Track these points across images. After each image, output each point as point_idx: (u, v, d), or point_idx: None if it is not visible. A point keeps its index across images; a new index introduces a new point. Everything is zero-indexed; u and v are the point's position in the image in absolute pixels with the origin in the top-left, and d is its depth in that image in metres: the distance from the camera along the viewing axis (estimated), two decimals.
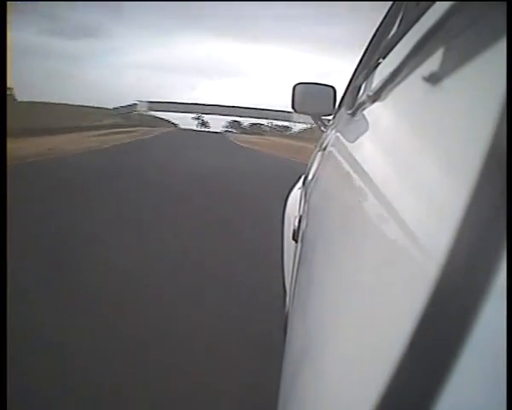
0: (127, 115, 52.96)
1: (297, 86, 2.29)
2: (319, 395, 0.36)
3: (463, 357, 0.20)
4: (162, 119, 63.83)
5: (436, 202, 0.30)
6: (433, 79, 0.42)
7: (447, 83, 0.38)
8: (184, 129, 56.24)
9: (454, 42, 0.40)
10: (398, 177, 0.41)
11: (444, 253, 0.23)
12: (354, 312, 0.37)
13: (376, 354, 0.29)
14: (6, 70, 1.59)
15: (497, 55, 0.27)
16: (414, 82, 0.50)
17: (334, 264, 0.51)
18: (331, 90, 2.27)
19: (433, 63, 0.43)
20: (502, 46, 0.26)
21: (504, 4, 0.27)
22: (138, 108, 56.70)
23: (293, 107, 2.29)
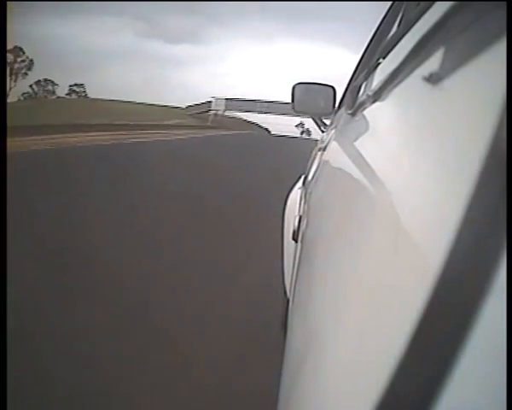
0: (202, 116, 44.06)
1: (297, 86, 2.29)
2: (319, 395, 0.36)
3: (463, 357, 0.20)
4: (250, 122, 50.65)
5: (436, 201, 0.30)
6: (433, 79, 0.42)
7: (447, 83, 0.38)
8: (281, 136, 41.87)
9: (454, 42, 0.40)
10: (398, 177, 0.41)
11: (444, 253, 0.23)
12: (354, 311, 0.37)
13: (377, 354, 0.29)
14: (6, 70, 1.58)
15: (497, 55, 0.27)
16: (414, 82, 0.50)
17: (334, 264, 0.51)
18: (331, 90, 2.27)
19: (433, 63, 0.43)
20: (502, 46, 0.26)
21: (504, 4, 0.27)
22: (213, 106, 45.44)
23: (293, 107, 2.30)
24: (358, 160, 0.69)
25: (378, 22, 1.70)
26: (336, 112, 2.11)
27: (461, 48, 0.37)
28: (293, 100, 2.27)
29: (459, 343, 0.20)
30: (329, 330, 0.42)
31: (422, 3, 0.54)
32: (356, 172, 0.66)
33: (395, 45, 0.69)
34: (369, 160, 0.60)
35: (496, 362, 0.19)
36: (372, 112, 0.76)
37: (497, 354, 0.19)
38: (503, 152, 0.22)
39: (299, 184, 2.39)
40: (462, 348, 0.20)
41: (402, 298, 0.28)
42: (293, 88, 2.28)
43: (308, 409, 0.39)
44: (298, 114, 2.36)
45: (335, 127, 1.53)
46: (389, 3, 1.51)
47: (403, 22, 0.94)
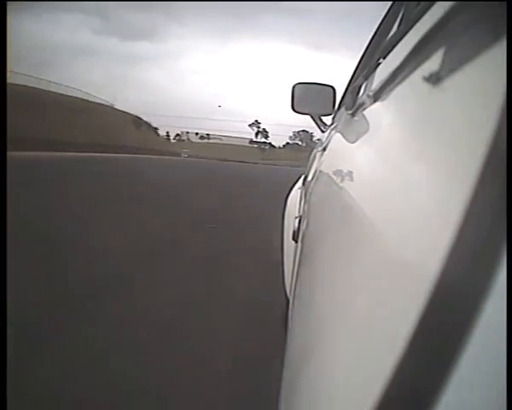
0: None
1: (296, 86, 2.29)
2: (320, 395, 0.36)
3: (463, 357, 0.20)
4: None
5: (436, 201, 0.30)
6: (434, 79, 0.42)
7: (447, 83, 0.38)
8: None
9: (454, 42, 0.40)
10: (399, 177, 0.41)
11: (444, 252, 0.23)
12: (354, 311, 0.37)
13: (377, 353, 0.29)
14: (6, 70, 1.59)
15: (497, 55, 0.27)
16: (414, 82, 0.50)
17: (335, 264, 0.51)
18: (331, 90, 2.27)
19: (433, 63, 0.43)
20: (502, 46, 0.26)
21: (504, 4, 0.27)
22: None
23: (292, 107, 2.29)
24: (358, 160, 0.69)
25: (378, 22, 1.70)
26: (336, 112, 2.11)
27: (461, 48, 0.37)
28: (292, 100, 2.27)
29: (459, 344, 0.20)
30: (330, 331, 0.42)
31: (422, 3, 0.54)
32: (356, 173, 0.66)
33: (395, 45, 0.69)
34: (369, 160, 0.60)
35: (496, 362, 0.19)
36: (372, 112, 0.76)
37: (497, 354, 0.19)
38: (503, 152, 0.22)
39: (299, 184, 2.39)
40: (463, 348, 0.20)
41: (402, 298, 0.28)
42: (293, 88, 2.28)
43: (309, 408, 0.39)
44: (298, 113, 2.36)
45: (335, 127, 1.53)
46: (389, 3, 1.51)
47: (403, 22, 0.94)
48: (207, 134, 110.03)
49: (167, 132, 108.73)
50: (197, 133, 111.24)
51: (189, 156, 73.20)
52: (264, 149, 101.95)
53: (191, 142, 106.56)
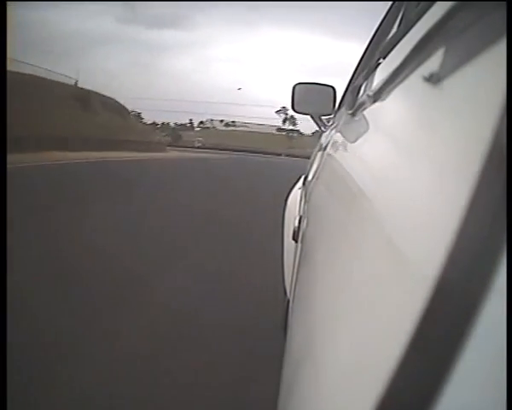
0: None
1: (297, 86, 2.29)
2: (320, 395, 0.36)
3: (463, 357, 0.20)
4: None
5: (436, 201, 0.30)
6: (434, 79, 0.42)
7: (447, 83, 0.38)
8: None
9: (454, 42, 0.40)
10: (399, 177, 0.41)
11: (444, 252, 0.23)
12: (354, 311, 0.37)
13: (377, 354, 0.29)
14: (6, 70, 1.59)
15: (497, 55, 0.27)
16: (414, 82, 0.50)
17: (335, 264, 0.51)
18: (331, 90, 2.27)
19: (433, 63, 0.43)
20: (502, 46, 0.26)
21: (504, 4, 0.27)
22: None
23: (292, 107, 2.29)
24: (358, 160, 0.69)
25: (378, 22, 1.70)
26: (336, 112, 2.11)
27: (461, 48, 0.37)
28: (293, 100, 2.27)
29: (459, 344, 0.20)
30: (330, 330, 0.42)
31: (422, 3, 0.54)
32: (356, 173, 0.66)
33: (395, 45, 0.69)
34: (369, 160, 0.60)
35: (496, 362, 0.19)
36: (372, 112, 0.76)
37: (497, 354, 0.19)
38: (503, 152, 0.22)
39: (300, 184, 2.39)
40: (463, 348, 0.20)
41: (402, 298, 0.28)
42: (293, 88, 2.28)
43: (308, 409, 0.39)
44: (298, 113, 2.36)
45: (335, 127, 1.53)
46: (389, 3, 1.51)
47: (403, 22, 0.94)
48: (233, 121, 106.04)
49: (190, 120, 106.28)
50: (222, 120, 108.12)
51: (204, 148, 66.33)
52: (292, 136, 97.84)
53: (216, 129, 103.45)
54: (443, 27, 0.43)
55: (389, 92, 0.65)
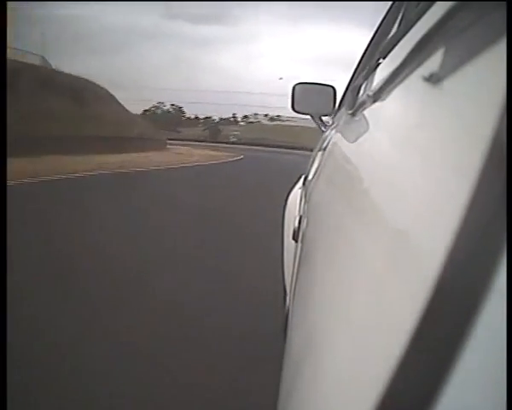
0: None
1: (297, 86, 2.29)
2: (319, 395, 0.36)
3: (463, 357, 0.20)
4: None
5: (436, 201, 0.30)
6: (433, 79, 0.42)
7: (447, 83, 0.38)
8: None
9: (454, 42, 0.40)
10: (398, 177, 0.41)
11: (444, 252, 0.23)
12: (354, 311, 0.37)
13: (376, 354, 0.29)
14: (6, 69, 1.59)
15: (497, 55, 0.27)
16: (414, 82, 0.50)
17: (335, 264, 0.51)
18: (331, 90, 2.28)
19: (433, 63, 0.43)
20: (502, 46, 0.26)
21: (504, 4, 0.27)
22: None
23: (292, 107, 2.29)
24: (358, 160, 0.69)
25: (378, 22, 1.70)
26: (336, 112, 2.11)
27: (461, 48, 0.37)
28: (293, 100, 2.27)
29: (459, 344, 0.20)
30: (329, 330, 0.42)
31: (422, 3, 0.54)
32: (356, 173, 0.66)
33: (395, 45, 0.69)
34: (369, 160, 0.60)
35: (496, 362, 0.19)
36: (372, 112, 0.76)
37: (497, 354, 0.19)
38: (503, 152, 0.22)
39: (300, 184, 2.39)
40: (463, 348, 0.20)
41: (402, 298, 0.28)
42: (293, 88, 2.28)
43: (308, 409, 0.39)
44: (297, 113, 2.36)
45: (335, 127, 1.54)
46: (389, 3, 1.51)
47: (403, 22, 0.94)
48: (278, 115, 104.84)
49: (234, 114, 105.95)
50: (266, 114, 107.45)
51: (239, 142, 63.87)
52: None
53: (261, 123, 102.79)
54: (443, 27, 0.43)
55: (389, 92, 0.65)
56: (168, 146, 34.33)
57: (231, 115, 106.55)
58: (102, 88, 28.56)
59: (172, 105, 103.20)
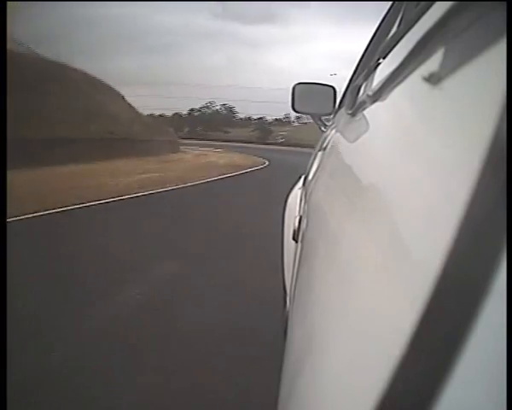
0: None
1: (297, 86, 2.29)
2: (319, 396, 0.36)
3: (463, 357, 0.20)
4: None
5: (436, 201, 0.30)
6: (433, 79, 0.42)
7: (447, 83, 0.38)
8: None
9: (454, 42, 0.40)
10: (398, 177, 0.41)
11: (444, 252, 0.23)
12: (354, 312, 0.37)
13: (376, 354, 0.29)
14: (6, 69, 1.59)
15: (497, 55, 0.27)
16: (414, 82, 0.50)
17: (335, 264, 0.51)
18: (331, 89, 2.28)
19: (433, 63, 0.43)
20: (502, 46, 0.26)
21: (504, 4, 0.27)
22: None
23: (292, 107, 2.30)
24: (358, 160, 0.69)
25: (378, 22, 1.70)
26: (336, 112, 2.11)
27: (461, 48, 0.37)
28: (293, 100, 2.27)
29: (459, 344, 0.20)
30: (329, 331, 0.42)
31: (422, 3, 0.54)
32: (356, 173, 0.66)
33: (395, 45, 0.69)
34: (369, 160, 0.60)
35: (496, 362, 0.19)
36: (372, 112, 0.76)
37: (497, 354, 0.19)
38: (503, 152, 0.22)
39: (300, 184, 2.39)
40: (463, 348, 0.20)
41: (402, 298, 0.28)
42: (293, 88, 2.28)
43: (308, 409, 0.39)
44: (298, 113, 2.36)
45: (335, 127, 1.53)
46: (389, 3, 1.51)
47: (403, 22, 0.94)
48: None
49: (286, 114, 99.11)
50: None
51: (287, 145, 59.78)
52: None
53: (314, 124, 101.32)
54: (443, 27, 0.43)
55: (389, 92, 0.65)
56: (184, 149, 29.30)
57: (284, 115, 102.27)
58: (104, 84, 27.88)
59: (224, 104, 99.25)
